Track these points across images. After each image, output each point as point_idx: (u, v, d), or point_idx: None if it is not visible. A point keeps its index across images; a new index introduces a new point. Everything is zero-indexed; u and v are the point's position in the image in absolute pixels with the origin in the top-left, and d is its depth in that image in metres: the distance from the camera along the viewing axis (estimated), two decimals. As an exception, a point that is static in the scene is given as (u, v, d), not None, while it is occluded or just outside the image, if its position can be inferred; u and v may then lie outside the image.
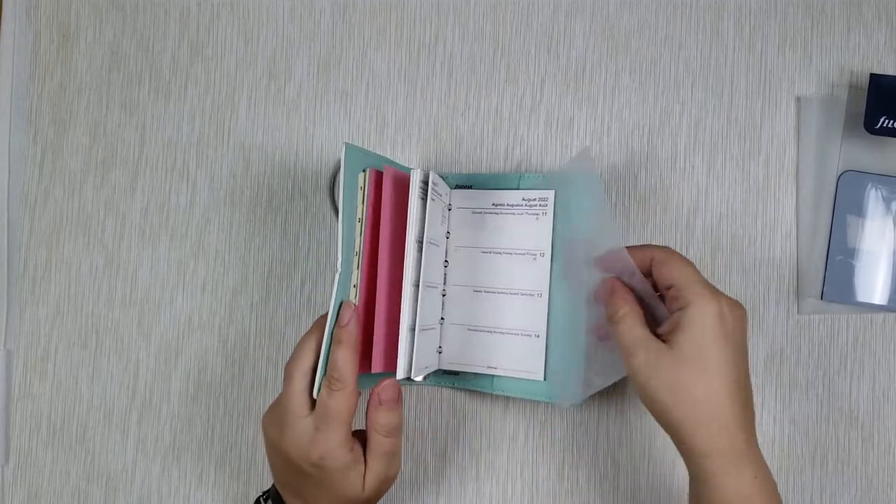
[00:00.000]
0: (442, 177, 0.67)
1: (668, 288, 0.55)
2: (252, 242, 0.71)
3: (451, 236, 0.65)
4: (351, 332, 0.56)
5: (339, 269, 0.57)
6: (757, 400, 0.67)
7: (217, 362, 0.70)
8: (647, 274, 0.57)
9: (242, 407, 0.70)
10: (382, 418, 0.56)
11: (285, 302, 0.70)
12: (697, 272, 0.54)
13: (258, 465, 0.69)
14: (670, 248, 0.57)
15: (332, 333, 0.56)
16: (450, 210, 0.65)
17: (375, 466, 0.56)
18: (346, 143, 0.57)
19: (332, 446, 0.54)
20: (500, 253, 0.64)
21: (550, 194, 0.64)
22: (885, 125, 0.65)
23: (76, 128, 0.72)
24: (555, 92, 0.70)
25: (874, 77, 0.66)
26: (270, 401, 0.69)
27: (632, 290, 0.56)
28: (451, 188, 0.67)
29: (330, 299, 0.56)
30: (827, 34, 0.69)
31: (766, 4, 0.70)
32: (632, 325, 0.54)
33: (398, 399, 0.57)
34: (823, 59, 0.69)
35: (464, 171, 0.69)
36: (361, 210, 0.59)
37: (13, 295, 0.71)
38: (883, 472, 0.66)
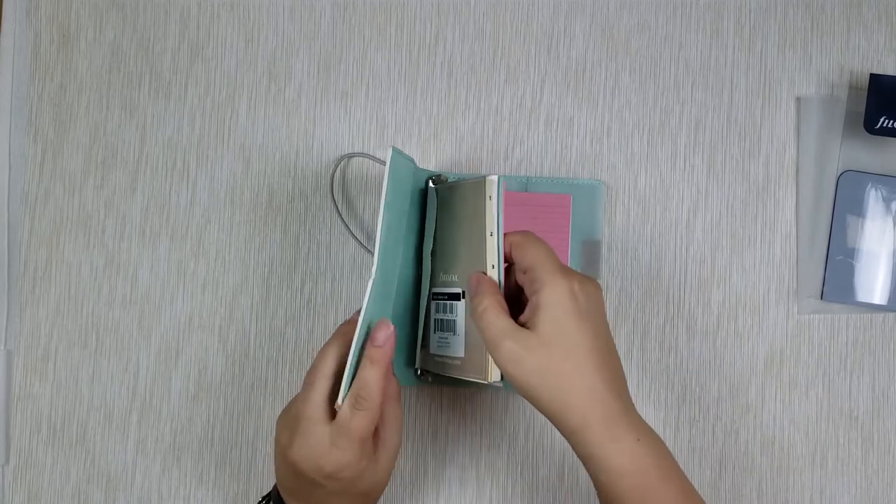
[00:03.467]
0: (440, 177, 0.67)
1: (525, 272, 0.55)
2: (252, 243, 0.71)
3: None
4: (386, 353, 0.55)
5: (374, 275, 0.55)
6: (757, 400, 0.67)
7: (217, 362, 0.70)
8: (509, 259, 0.57)
9: (242, 407, 0.70)
10: (395, 386, 0.57)
11: (285, 302, 0.70)
12: (552, 254, 0.55)
13: (258, 465, 0.69)
14: (528, 232, 0.56)
15: (361, 344, 0.55)
16: None
17: (392, 441, 0.57)
18: (393, 147, 0.57)
19: (349, 461, 0.54)
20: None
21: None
22: (884, 125, 0.66)
23: (76, 128, 0.72)
24: (555, 92, 0.70)
25: (874, 77, 0.66)
26: (271, 401, 0.69)
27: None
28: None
29: (363, 301, 0.55)
30: (827, 34, 0.69)
31: (766, 4, 0.70)
32: (495, 317, 0.54)
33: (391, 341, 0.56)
34: (823, 59, 0.69)
35: (464, 173, 0.70)
36: (496, 222, 0.57)
37: (13, 295, 0.71)
38: (883, 472, 0.66)
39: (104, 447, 0.70)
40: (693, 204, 0.69)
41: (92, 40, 0.73)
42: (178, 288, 0.71)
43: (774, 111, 0.69)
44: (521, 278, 0.56)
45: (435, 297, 0.63)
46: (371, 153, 0.69)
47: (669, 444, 0.67)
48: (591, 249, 0.67)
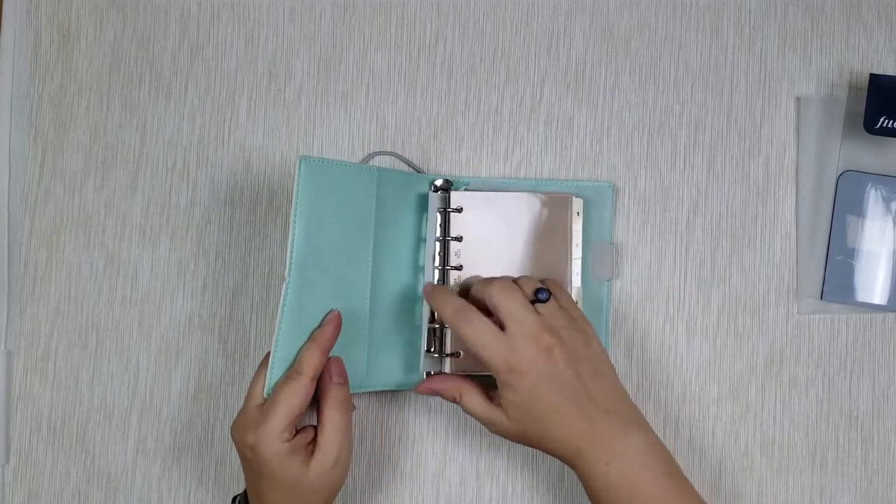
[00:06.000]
0: (450, 181, 0.67)
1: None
2: (252, 243, 0.71)
3: (464, 239, 0.65)
4: (324, 332, 0.59)
5: (287, 279, 0.58)
6: (757, 400, 0.67)
7: (217, 362, 0.70)
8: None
9: (242, 407, 0.70)
10: (341, 394, 0.59)
11: (285, 302, 0.70)
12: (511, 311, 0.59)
13: (258, 465, 0.69)
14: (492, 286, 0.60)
15: (278, 337, 0.58)
16: (460, 212, 0.65)
17: (329, 449, 0.57)
18: (303, 158, 0.59)
19: (267, 431, 0.55)
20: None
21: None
22: (884, 125, 0.66)
23: (76, 128, 0.72)
24: (555, 92, 0.70)
25: (874, 77, 0.66)
26: (270, 401, 0.69)
27: None
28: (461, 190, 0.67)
29: (279, 307, 0.58)
30: (827, 34, 0.69)
31: (766, 4, 0.70)
32: (472, 404, 0.60)
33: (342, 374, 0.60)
34: (823, 59, 0.69)
35: (464, 173, 0.70)
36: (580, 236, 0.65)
37: (13, 295, 0.71)
38: (883, 472, 0.66)
39: (104, 447, 0.70)
40: (693, 204, 0.69)
41: (92, 40, 0.73)
42: (178, 288, 0.71)
43: (774, 111, 0.69)
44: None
45: None
46: (396, 151, 0.69)
47: (669, 444, 0.67)
48: (602, 252, 0.67)
